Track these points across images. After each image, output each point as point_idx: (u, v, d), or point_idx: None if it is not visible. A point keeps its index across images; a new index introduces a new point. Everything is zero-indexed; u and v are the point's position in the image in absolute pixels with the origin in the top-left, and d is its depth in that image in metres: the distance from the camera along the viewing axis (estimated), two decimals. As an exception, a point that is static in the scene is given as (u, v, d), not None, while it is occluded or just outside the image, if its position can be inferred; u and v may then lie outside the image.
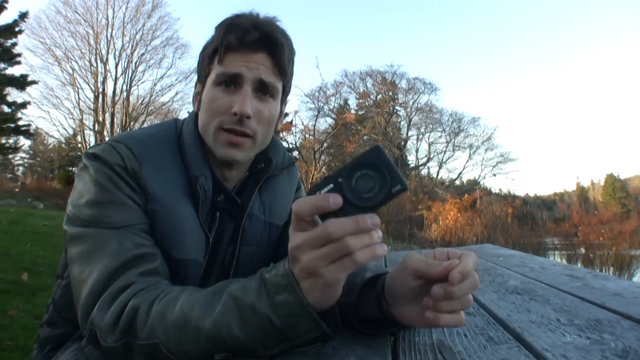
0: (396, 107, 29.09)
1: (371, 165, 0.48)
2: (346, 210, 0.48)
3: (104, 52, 23.03)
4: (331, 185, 0.48)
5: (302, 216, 0.49)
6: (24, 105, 17.57)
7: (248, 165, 0.89)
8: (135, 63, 23.98)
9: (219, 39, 0.78)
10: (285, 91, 0.87)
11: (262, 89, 0.80)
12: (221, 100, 0.78)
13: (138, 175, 0.73)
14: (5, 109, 16.83)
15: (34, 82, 17.92)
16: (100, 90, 23.06)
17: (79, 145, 24.14)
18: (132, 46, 23.63)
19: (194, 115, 0.86)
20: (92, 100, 23.14)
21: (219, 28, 0.80)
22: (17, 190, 18.57)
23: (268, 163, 0.89)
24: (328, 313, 0.55)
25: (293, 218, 0.51)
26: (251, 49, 0.78)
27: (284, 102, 0.89)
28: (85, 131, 23.60)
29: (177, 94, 25.16)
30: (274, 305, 0.53)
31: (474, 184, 29.97)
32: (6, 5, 15.91)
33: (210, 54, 0.80)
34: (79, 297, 0.66)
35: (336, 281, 0.51)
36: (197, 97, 0.86)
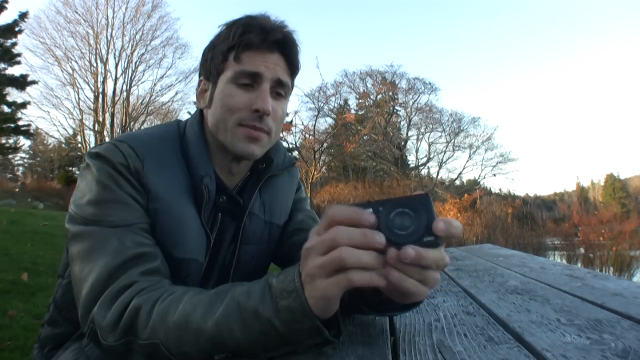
0: (396, 107, 29.03)
1: (414, 209, 0.49)
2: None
3: (104, 52, 23.08)
4: (370, 210, 0.49)
5: (333, 220, 0.49)
6: (24, 105, 17.59)
7: (250, 165, 0.90)
8: (135, 63, 24.03)
9: (237, 37, 0.78)
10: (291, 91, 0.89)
11: (278, 89, 0.82)
12: (239, 98, 0.79)
13: (140, 175, 0.73)
14: (5, 109, 16.84)
15: (34, 82, 17.94)
16: (100, 90, 23.08)
17: (79, 145, 24.17)
18: (132, 46, 23.67)
19: (198, 115, 0.86)
20: (92, 100, 23.16)
21: (234, 27, 0.80)
22: (17, 190, 18.58)
23: (269, 163, 0.90)
24: (330, 318, 0.55)
25: (322, 221, 0.50)
26: (268, 49, 0.80)
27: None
28: (85, 131, 23.65)
29: (177, 94, 25.20)
30: (277, 310, 0.53)
31: (474, 184, 29.96)
32: (6, 5, 15.93)
33: (225, 51, 0.80)
34: (79, 296, 0.66)
35: (329, 297, 0.50)
36: (203, 94, 0.86)
